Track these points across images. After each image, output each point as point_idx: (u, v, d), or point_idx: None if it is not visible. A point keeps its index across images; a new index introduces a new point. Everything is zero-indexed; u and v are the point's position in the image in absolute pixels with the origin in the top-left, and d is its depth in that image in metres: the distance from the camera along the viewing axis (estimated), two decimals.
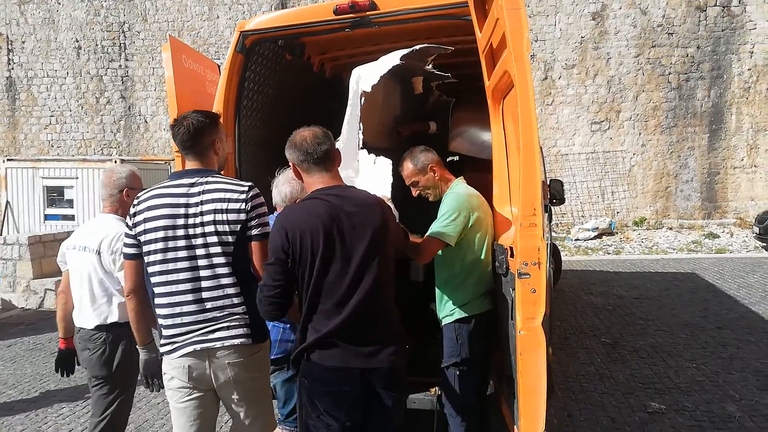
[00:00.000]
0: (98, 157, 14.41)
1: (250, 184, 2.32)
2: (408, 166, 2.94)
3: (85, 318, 2.84)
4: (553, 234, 13.41)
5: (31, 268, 8.48)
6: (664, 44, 13.77)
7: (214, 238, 2.23)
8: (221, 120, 2.56)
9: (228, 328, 2.24)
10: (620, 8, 13.87)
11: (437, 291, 2.89)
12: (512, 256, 2.33)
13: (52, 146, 16.31)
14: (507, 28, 2.19)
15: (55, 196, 13.25)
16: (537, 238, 2.14)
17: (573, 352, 5.22)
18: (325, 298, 2.11)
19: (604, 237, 13.13)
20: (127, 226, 2.33)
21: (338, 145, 3.45)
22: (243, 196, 2.24)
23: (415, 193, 3.01)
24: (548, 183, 6.85)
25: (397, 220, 2.74)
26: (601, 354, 5.14)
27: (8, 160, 13.62)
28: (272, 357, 2.81)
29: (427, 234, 2.74)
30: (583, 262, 10.51)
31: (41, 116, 16.32)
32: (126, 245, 2.34)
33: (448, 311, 2.82)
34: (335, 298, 2.10)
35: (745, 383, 4.37)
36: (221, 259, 2.24)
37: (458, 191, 2.86)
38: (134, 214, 2.29)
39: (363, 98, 3.23)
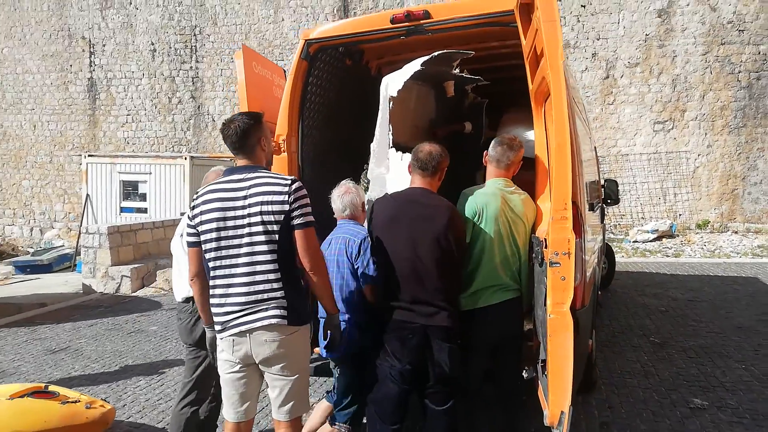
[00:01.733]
0: (170, 154, 15.31)
1: (292, 177, 2.57)
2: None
3: (177, 291, 3.24)
4: (610, 235, 13.21)
5: (110, 255, 9.22)
6: (735, 41, 13.29)
7: (260, 228, 2.45)
8: (265, 119, 2.75)
9: (267, 309, 2.47)
10: (688, 5, 13.48)
11: None
12: (546, 247, 2.53)
13: (128, 143, 17.42)
14: (544, 39, 2.39)
15: (130, 190, 14.18)
16: (567, 231, 2.34)
17: (620, 350, 5.29)
18: (392, 269, 2.80)
19: (664, 239, 12.83)
20: (189, 218, 2.61)
21: (372, 146, 3.74)
22: (286, 189, 2.47)
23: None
24: (602, 183, 6.88)
25: None
26: (648, 352, 5.18)
27: (89, 156, 14.66)
28: (336, 356, 3.06)
29: None
30: (639, 264, 10.35)
31: (119, 115, 17.47)
32: (188, 234, 2.62)
33: (461, 301, 2.99)
34: (401, 271, 2.78)
35: None
36: (264, 247, 2.46)
37: (466, 192, 3.04)
38: (193, 207, 2.58)
39: (392, 102, 3.49)
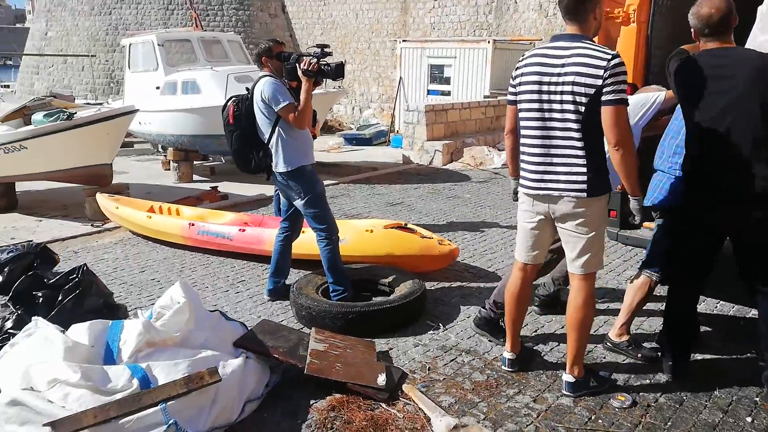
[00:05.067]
0: (474, 38, 15.82)
1: (614, 53, 2.52)
2: None
3: None
4: None
5: (425, 131, 10.35)
6: None
7: (569, 97, 2.51)
8: None
9: (567, 182, 2.59)
10: None
11: None
12: None
13: (434, 28, 18.45)
14: None
15: (436, 73, 15.28)
16: None
17: None
18: (704, 130, 2.66)
19: None
20: (512, 77, 2.80)
21: (761, 9, 3.34)
22: (604, 63, 2.45)
23: None
24: None
25: None
26: None
27: (403, 41, 16.08)
28: (654, 203, 3.08)
29: None
30: None
31: (427, 0, 18.48)
32: (509, 93, 2.82)
33: None
34: (710, 132, 2.63)
35: None
36: (572, 116, 2.53)
37: None
38: (517, 68, 2.75)
39: None
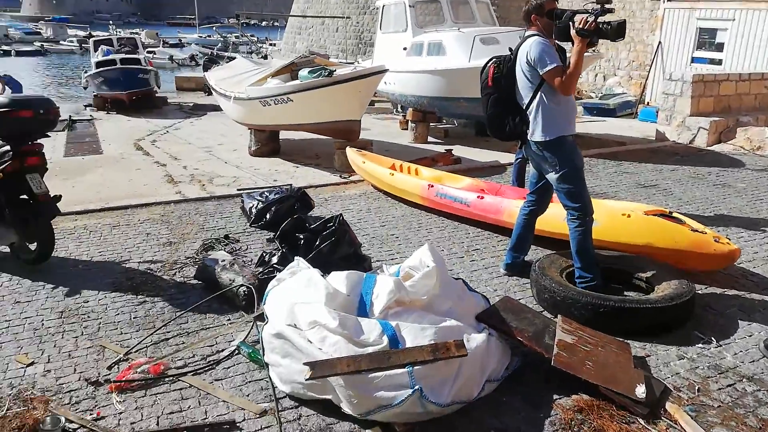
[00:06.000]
0: None
1: None
2: None
3: None
4: None
5: (689, 105, 8.98)
6: None
7: None
8: None
9: None
10: None
11: None
12: None
13: None
14: None
15: (706, 38, 13.19)
16: None
17: None
18: None
19: None
20: None
21: None
22: None
23: None
24: None
25: None
26: None
27: (668, 1, 14.14)
28: None
29: None
30: None
31: None
32: None
33: None
34: None
35: None
36: None
37: None
38: None
39: None
